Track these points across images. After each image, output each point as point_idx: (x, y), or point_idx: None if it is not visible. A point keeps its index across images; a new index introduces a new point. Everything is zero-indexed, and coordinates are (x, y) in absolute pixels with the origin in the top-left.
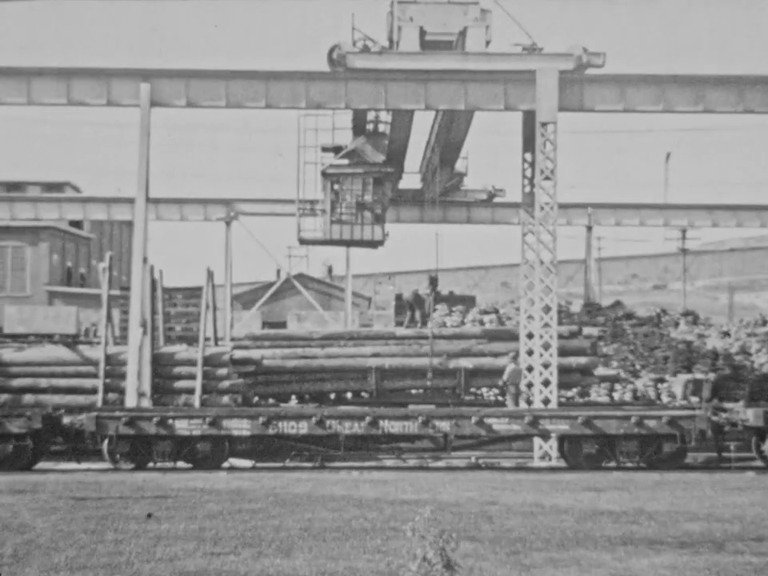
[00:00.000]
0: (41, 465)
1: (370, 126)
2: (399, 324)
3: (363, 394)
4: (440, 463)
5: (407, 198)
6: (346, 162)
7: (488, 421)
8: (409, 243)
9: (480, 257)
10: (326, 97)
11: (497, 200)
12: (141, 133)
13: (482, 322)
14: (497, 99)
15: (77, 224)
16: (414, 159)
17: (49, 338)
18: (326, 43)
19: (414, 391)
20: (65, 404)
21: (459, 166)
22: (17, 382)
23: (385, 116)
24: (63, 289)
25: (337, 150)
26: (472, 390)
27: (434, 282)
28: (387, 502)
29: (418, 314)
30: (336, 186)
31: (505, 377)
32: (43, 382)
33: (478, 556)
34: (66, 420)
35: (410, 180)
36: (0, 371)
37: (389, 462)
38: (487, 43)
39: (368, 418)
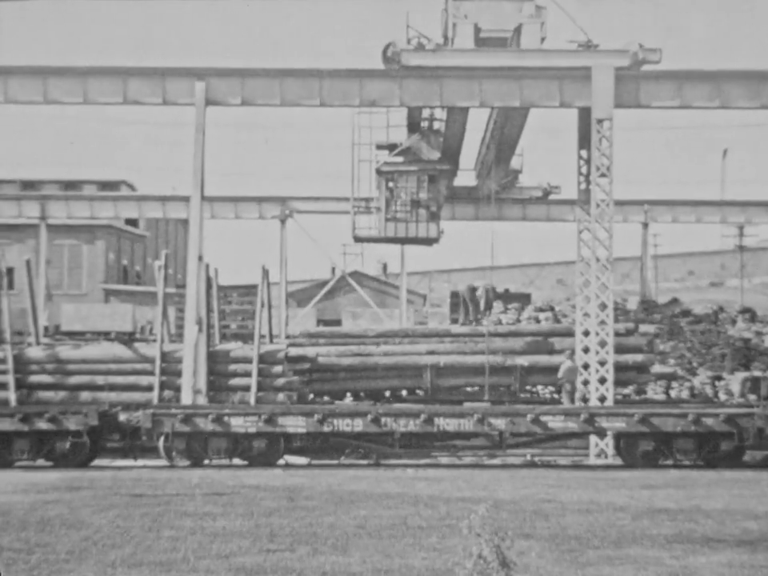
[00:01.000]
0: (97, 462)
1: (424, 124)
2: (454, 321)
3: (418, 391)
4: (495, 461)
5: (462, 196)
6: (400, 159)
7: (544, 418)
8: (464, 240)
9: (535, 254)
10: (381, 94)
11: (552, 197)
12: (196, 131)
13: (537, 320)
14: (552, 96)
15: (132, 222)
16: (468, 156)
17: (105, 335)
18: (380, 41)
19: (469, 389)
20: (121, 401)
21: (514, 163)
22: (74, 380)
23: (440, 113)
24: (119, 287)
25: (391, 147)
26: (528, 387)
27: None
28: (442, 499)
29: (471, 310)
30: (391, 184)
31: (561, 374)
32: (100, 380)
33: (533, 554)
34: (123, 417)
35: (465, 177)
36: (57, 368)
37: (444, 460)
38: (542, 40)
39: (423, 416)
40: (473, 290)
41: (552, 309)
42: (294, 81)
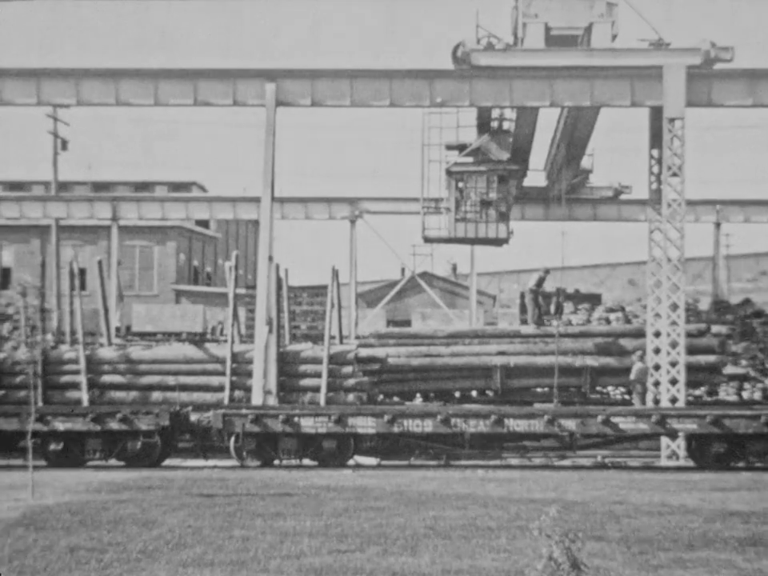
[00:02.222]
0: (168, 461)
1: (494, 124)
2: (524, 322)
3: (488, 392)
4: (566, 462)
5: (532, 196)
6: (470, 159)
7: (614, 420)
8: (534, 241)
9: (606, 254)
10: (451, 95)
11: (623, 197)
12: (266, 132)
13: (608, 320)
14: (623, 95)
15: (203, 223)
16: (538, 156)
17: (176, 336)
18: (450, 41)
19: (539, 390)
20: (192, 401)
21: (585, 162)
22: (145, 380)
23: (509, 113)
24: (190, 287)
25: (461, 147)
26: (598, 388)
27: (541, 280)
28: (512, 500)
29: (531, 311)
30: (460, 184)
31: (632, 375)
32: (171, 380)
33: (604, 556)
34: (194, 417)
35: (535, 177)
36: (129, 369)
37: (514, 461)
38: (613, 38)
39: (493, 417)
40: (532, 290)
41: (623, 309)
42: (364, 81)
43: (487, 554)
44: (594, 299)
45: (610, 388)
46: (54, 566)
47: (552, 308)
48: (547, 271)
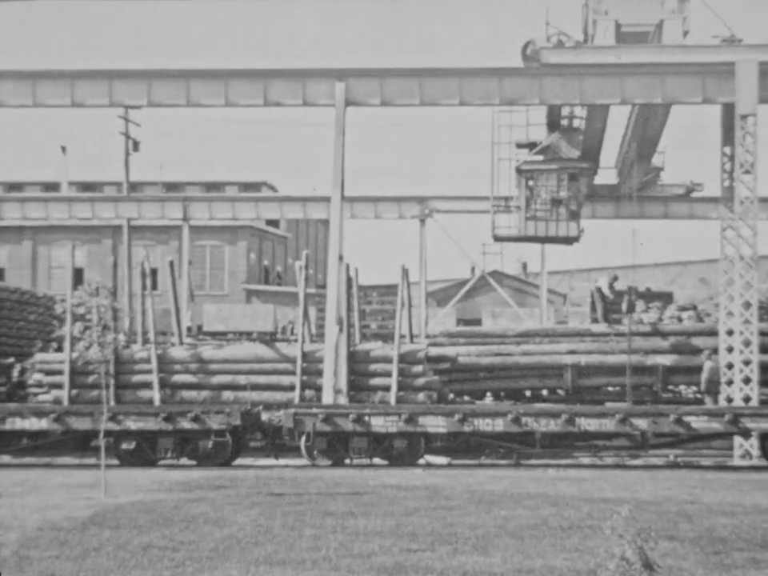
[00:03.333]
0: (239, 461)
1: (564, 122)
2: (595, 320)
3: (559, 391)
4: (637, 461)
5: (603, 194)
6: (540, 158)
7: (687, 419)
8: (604, 239)
9: (677, 252)
10: (520, 93)
11: (695, 194)
12: (336, 132)
13: (680, 319)
14: (694, 92)
15: (274, 223)
16: (609, 154)
17: (247, 335)
18: (519, 39)
19: (610, 388)
20: (263, 401)
21: (656, 160)
22: (216, 379)
23: (580, 111)
24: (261, 287)
25: (531, 146)
26: (670, 387)
27: (609, 285)
28: (584, 500)
29: (600, 310)
30: (531, 183)
31: (704, 374)
32: (242, 379)
33: (677, 555)
34: (264, 416)
35: (606, 175)
36: (200, 368)
37: (585, 460)
38: (685, 34)
39: (564, 416)
40: (599, 289)
41: (695, 308)
42: (434, 80)
43: (559, 554)
44: (666, 297)
45: (682, 387)
46: (127, 564)
47: (624, 306)
48: (615, 278)
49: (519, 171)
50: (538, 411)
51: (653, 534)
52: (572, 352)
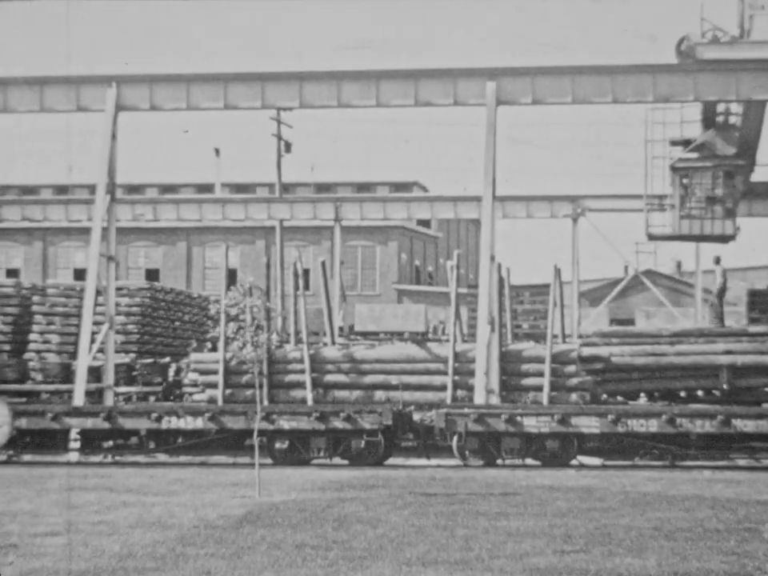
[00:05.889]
0: (391, 460)
1: (720, 118)
2: (752, 321)
3: (714, 392)
4: None
5: (760, 191)
6: (695, 155)
7: None
8: (762, 237)
9: None
10: (675, 90)
11: None
12: (487, 132)
13: None
14: None
15: (425, 223)
16: (766, 150)
17: (398, 335)
18: (672, 35)
19: None
20: (414, 401)
21: None
22: (368, 379)
23: (736, 107)
24: (412, 287)
25: (686, 143)
26: None
27: None
28: (741, 502)
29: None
30: (685, 180)
31: None
32: (394, 379)
33: None
34: (416, 416)
35: (763, 172)
36: (352, 368)
37: (742, 462)
38: None
39: (720, 417)
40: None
41: None
42: (585, 78)
43: (715, 557)
44: None
45: None
46: (280, 562)
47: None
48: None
49: (674, 169)
50: (692, 412)
51: None
52: (728, 352)
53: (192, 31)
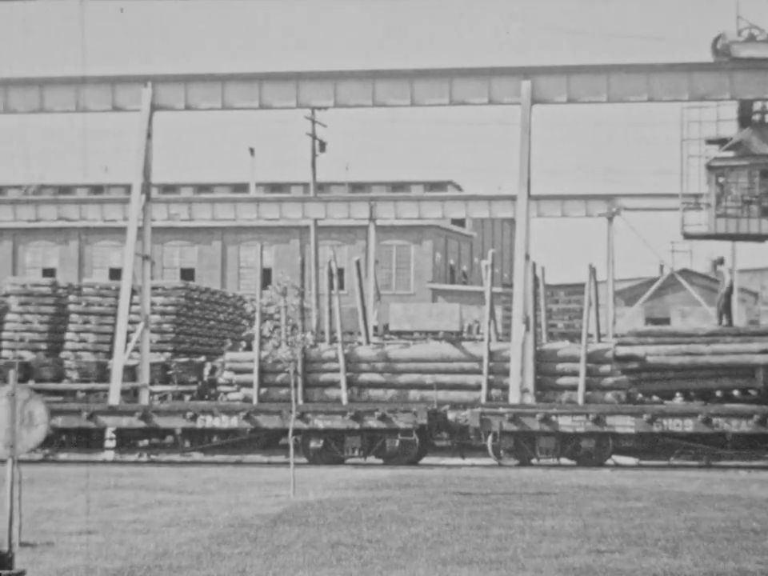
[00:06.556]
0: (426, 460)
1: (756, 117)
2: None
3: (750, 391)
4: None
5: None
6: (731, 154)
7: None
8: None
9: None
10: (710, 88)
11: None
12: (521, 130)
13: None
14: None
15: (459, 222)
16: None
17: (433, 334)
18: (708, 33)
19: None
20: (449, 400)
21: None
22: (403, 378)
23: None
24: (446, 286)
25: (722, 142)
26: None
27: None
28: None
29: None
30: (721, 179)
31: None
32: (428, 378)
33: None
34: (451, 416)
35: None
36: (387, 367)
37: None
38: None
39: (756, 416)
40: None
41: None
42: (621, 76)
43: (752, 557)
44: None
45: None
46: (316, 561)
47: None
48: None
49: (709, 168)
50: (729, 412)
51: None
52: (764, 352)
53: (227, 31)
